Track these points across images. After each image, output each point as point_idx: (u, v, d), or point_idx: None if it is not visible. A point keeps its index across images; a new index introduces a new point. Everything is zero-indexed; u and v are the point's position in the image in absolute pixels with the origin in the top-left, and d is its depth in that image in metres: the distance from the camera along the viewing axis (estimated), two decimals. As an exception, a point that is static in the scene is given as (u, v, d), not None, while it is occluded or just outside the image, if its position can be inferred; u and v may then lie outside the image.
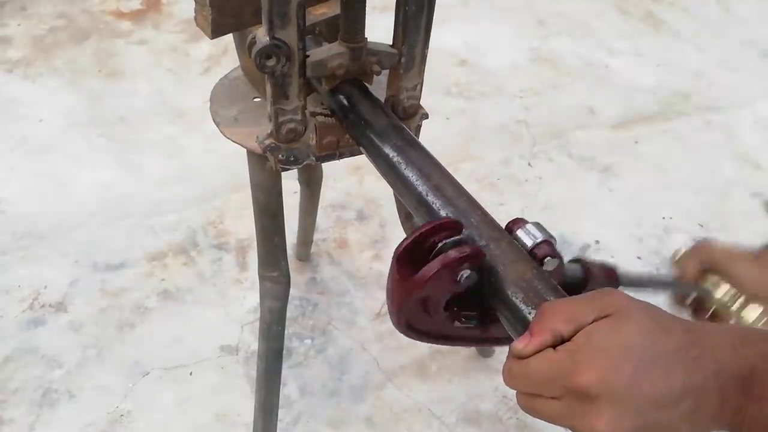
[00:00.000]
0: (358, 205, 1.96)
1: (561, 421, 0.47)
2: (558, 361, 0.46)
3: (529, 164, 2.16)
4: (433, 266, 0.54)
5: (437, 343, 0.61)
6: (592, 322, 0.47)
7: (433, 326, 0.59)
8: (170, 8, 2.72)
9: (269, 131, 0.82)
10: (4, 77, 2.33)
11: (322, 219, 1.87)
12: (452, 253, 0.54)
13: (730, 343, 0.43)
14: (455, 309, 0.59)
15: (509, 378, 0.50)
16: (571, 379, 0.45)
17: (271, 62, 0.72)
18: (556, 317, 0.48)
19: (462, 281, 0.55)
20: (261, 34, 0.71)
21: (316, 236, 1.80)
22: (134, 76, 2.38)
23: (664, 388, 0.43)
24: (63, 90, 2.29)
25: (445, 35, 2.64)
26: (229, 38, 0.94)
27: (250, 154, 0.94)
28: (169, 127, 2.18)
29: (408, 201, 0.70)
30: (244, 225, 1.84)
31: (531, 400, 0.49)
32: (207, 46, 2.48)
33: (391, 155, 0.72)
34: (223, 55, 2.43)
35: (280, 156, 0.83)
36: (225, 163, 1.99)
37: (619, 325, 0.45)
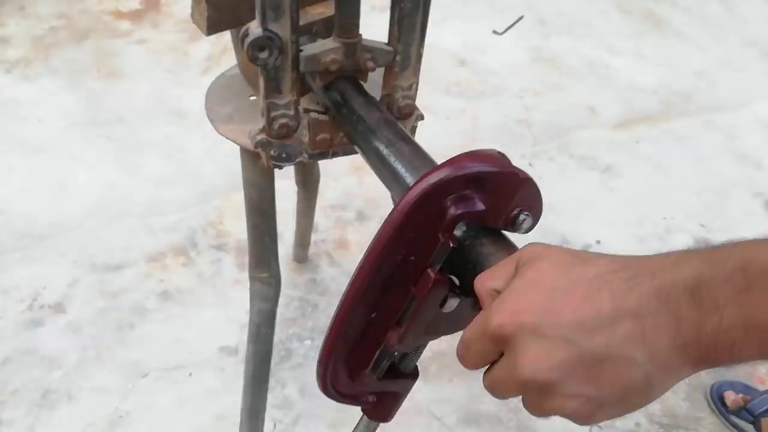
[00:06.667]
0: (357, 205, 1.95)
1: (511, 385, 0.44)
2: (480, 316, 0.46)
3: (530, 164, 2.15)
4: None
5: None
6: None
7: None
8: (169, 8, 2.72)
9: (261, 126, 0.81)
10: (3, 77, 2.33)
11: (321, 219, 1.86)
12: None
13: (669, 261, 0.41)
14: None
15: (459, 355, 0.48)
16: (487, 327, 0.44)
17: (263, 54, 0.71)
18: (487, 280, 0.48)
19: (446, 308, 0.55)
20: (254, 26, 0.70)
21: (316, 236, 1.79)
22: (133, 76, 2.38)
23: (589, 312, 0.41)
24: (62, 90, 2.29)
25: (445, 35, 2.63)
26: (228, 38, 0.93)
27: (243, 150, 0.93)
28: (168, 126, 2.17)
29: (398, 194, 0.70)
30: (243, 225, 1.82)
31: (487, 377, 0.47)
32: (206, 45, 2.48)
33: (381, 149, 0.71)
34: (222, 55, 2.43)
35: (272, 152, 0.82)
36: (225, 163, 1.99)
37: (532, 267, 0.45)
